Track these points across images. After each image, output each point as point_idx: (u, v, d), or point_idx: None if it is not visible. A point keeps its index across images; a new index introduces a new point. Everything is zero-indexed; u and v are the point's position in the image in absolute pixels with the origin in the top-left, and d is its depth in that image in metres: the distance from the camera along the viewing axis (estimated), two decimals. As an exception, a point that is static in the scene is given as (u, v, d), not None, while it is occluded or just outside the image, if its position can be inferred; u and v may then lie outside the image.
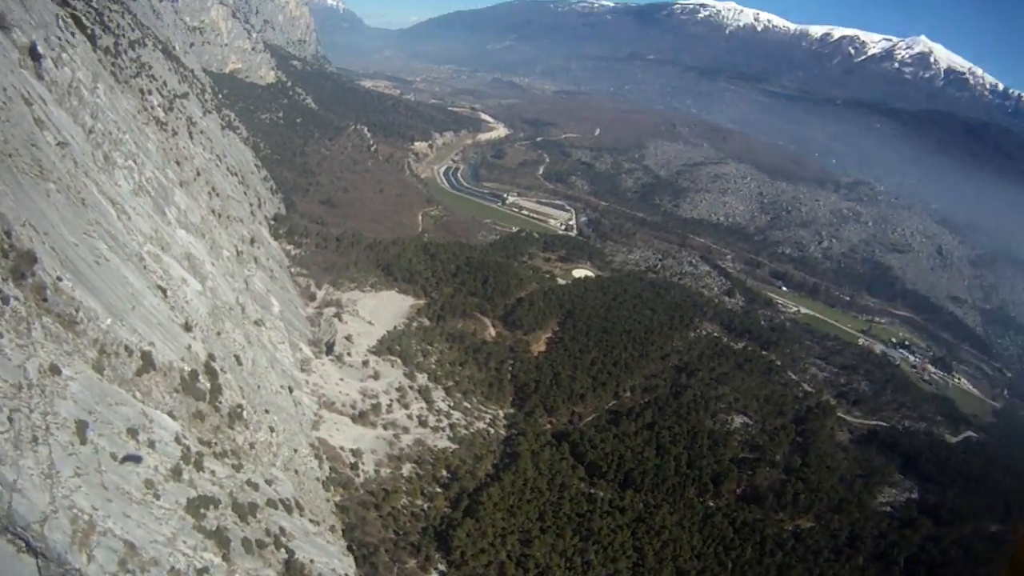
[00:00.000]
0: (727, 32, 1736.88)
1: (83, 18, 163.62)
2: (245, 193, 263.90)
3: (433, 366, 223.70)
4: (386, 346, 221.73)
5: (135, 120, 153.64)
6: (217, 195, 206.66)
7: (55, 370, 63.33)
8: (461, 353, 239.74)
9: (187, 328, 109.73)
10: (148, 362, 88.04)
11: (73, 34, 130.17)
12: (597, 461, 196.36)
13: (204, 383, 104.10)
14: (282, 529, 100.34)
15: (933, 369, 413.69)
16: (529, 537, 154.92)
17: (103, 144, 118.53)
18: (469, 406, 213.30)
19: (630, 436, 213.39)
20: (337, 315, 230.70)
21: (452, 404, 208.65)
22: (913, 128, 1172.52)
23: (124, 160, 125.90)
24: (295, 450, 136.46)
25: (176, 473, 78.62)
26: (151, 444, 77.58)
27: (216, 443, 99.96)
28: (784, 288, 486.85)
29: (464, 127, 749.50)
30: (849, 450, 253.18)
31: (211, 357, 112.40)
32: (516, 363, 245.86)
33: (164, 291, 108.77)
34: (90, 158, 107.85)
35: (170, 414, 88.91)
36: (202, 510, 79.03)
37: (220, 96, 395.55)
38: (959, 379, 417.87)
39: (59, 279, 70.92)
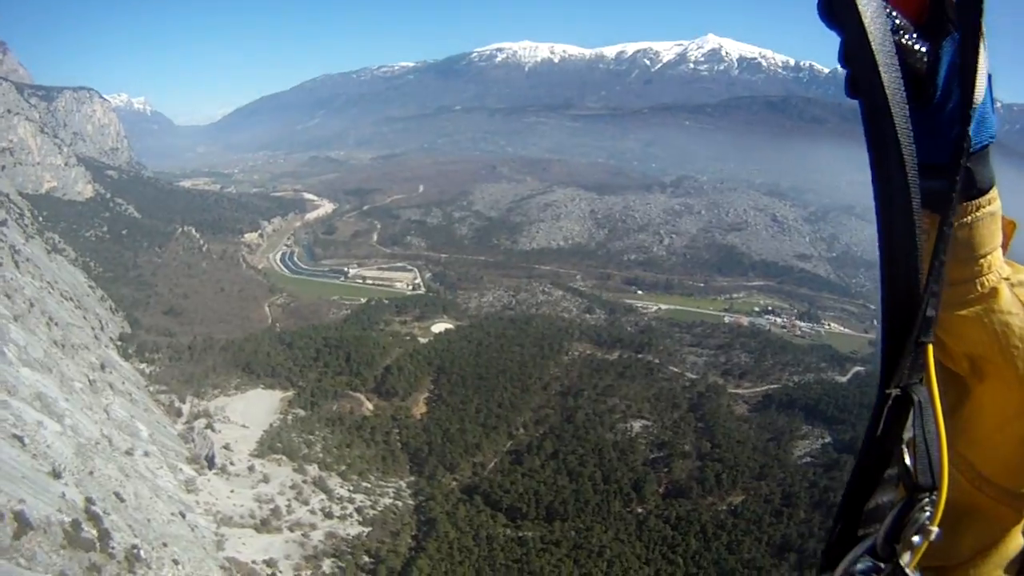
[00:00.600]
0: (527, 69, 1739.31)
1: None
2: (84, 317, 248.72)
3: (320, 455, 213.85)
4: (267, 446, 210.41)
5: None
6: (56, 324, 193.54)
7: None
8: (344, 434, 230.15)
9: (55, 475, 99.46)
10: (23, 523, 79.27)
11: None
12: (515, 503, 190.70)
13: (89, 531, 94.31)
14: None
15: (802, 324, 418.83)
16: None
17: None
18: (369, 485, 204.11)
19: (538, 470, 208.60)
20: (209, 426, 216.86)
21: (351, 488, 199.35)
22: (720, 118, 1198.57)
23: None
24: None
25: None
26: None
27: None
28: (639, 292, 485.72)
29: (290, 210, 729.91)
30: (751, 420, 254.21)
31: (89, 501, 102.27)
32: (402, 430, 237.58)
33: (21, 439, 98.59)
34: None
35: (62, 575, 79.55)
36: None
37: (41, 219, 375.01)
38: (829, 325, 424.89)
39: None
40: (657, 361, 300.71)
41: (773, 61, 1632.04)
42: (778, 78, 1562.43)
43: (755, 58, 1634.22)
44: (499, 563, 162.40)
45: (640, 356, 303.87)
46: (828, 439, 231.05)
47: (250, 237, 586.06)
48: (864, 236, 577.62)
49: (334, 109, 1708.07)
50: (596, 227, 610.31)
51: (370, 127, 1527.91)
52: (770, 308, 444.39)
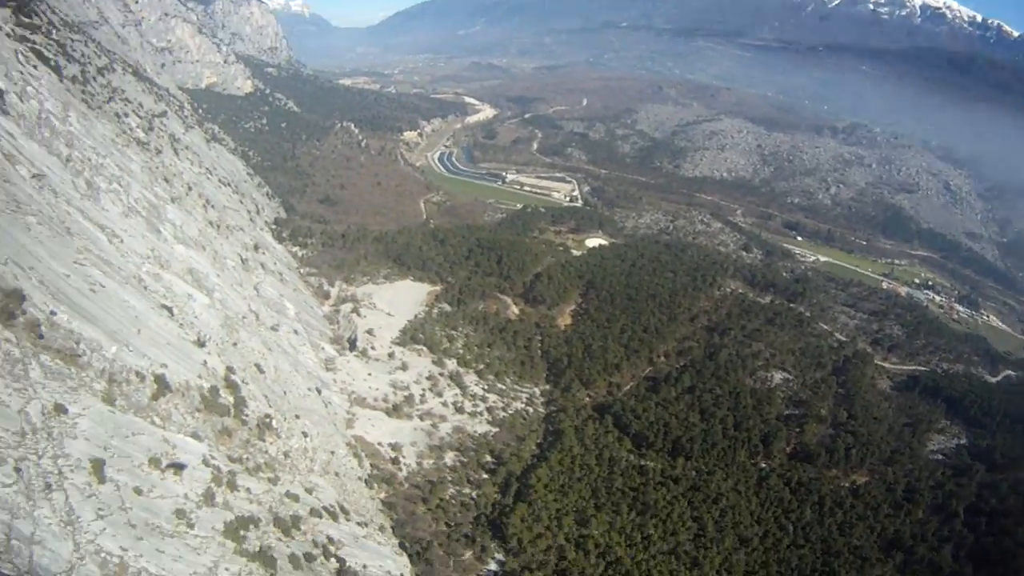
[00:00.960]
0: None
1: (44, 50, 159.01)
2: (241, 202, 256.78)
3: (461, 351, 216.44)
4: (409, 336, 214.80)
5: (114, 144, 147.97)
6: (212, 207, 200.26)
7: (60, 409, 57.53)
8: (487, 334, 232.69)
9: (200, 344, 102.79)
10: (163, 385, 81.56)
11: (35, 67, 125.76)
12: (643, 431, 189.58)
13: (226, 398, 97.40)
14: (329, 538, 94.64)
15: (961, 308, 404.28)
16: (585, 516, 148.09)
17: (83, 171, 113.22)
18: (503, 387, 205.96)
19: (672, 402, 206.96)
20: (355, 310, 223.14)
21: (486, 387, 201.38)
22: (898, 67, 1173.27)
23: (108, 184, 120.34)
24: (332, 452, 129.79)
25: (208, 497, 72.21)
26: (177, 471, 70.94)
27: (248, 458, 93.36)
28: (799, 238, 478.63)
29: (451, 112, 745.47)
30: (892, 398, 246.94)
31: (230, 370, 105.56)
32: (544, 339, 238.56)
33: (170, 310, 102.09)
34: (71, 186, 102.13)
35: (194, 435, 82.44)
36: (242, 532, 73.25)
37: (200, 111, 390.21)
38: (987, 316, 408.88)
39: (53, 313, 65.24)
40: (808, 314, 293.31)
41: (958, 14, 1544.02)
42: (962, 33, 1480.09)
43: (939, 8, 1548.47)
44: (616, 487, 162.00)
45: (792, 306, 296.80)
46: (964, 440, 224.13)
47: (409, 135, 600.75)
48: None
49: (495, 17, 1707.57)
50: (762, 163, 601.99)
51: (532, 37, 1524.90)
52: (930, 283, 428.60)
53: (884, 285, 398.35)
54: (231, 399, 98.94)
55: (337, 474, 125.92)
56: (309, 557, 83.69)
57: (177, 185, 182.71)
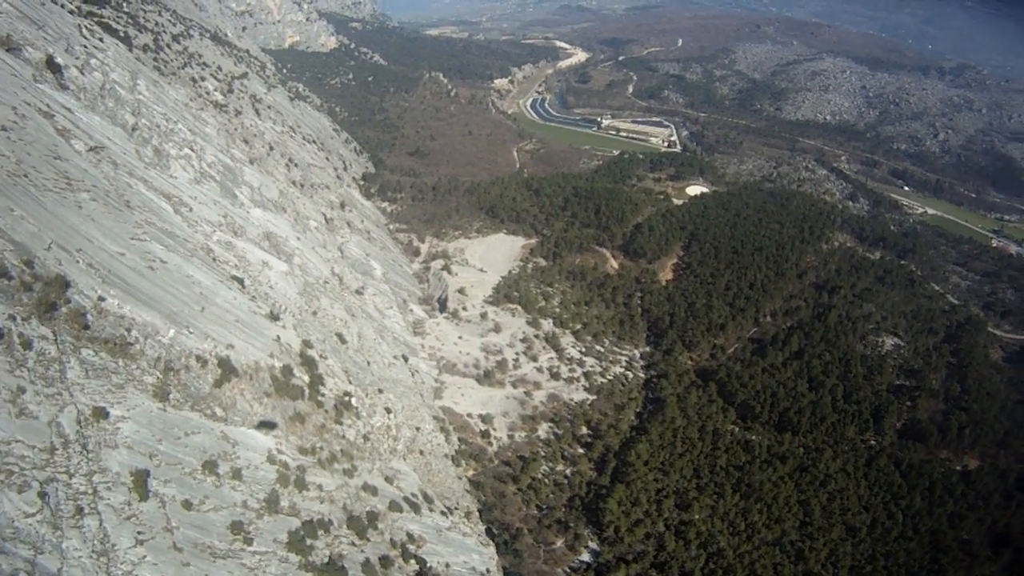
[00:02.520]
0: None
1: (112, 23, 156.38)
2: (327, 158, 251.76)
3: (557, 309, 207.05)
4: (503, 294, 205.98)
5: (188, 108, 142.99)
6: (296, 166, 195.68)
7: (100, 414, 51.61)
8: (584, 291, 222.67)
9: (273, 317, 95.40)
10: (227, 369, 74.59)
11: (101, 39, 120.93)
12: (748, 401, 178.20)
13: (301, 377, 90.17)
14: (410, 535, 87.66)
15: None
16: (686, 500, 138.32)
17: (151, 139, 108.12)
18: (602, 349, 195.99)
19: (779, 368, 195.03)
20: (446, 267, 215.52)
21: (583, 349, 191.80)
22: (1008, 3, 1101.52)
23: (179, 150, 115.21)
24: (417, 428, 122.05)
25: (272, 503, 65.55)
26: (236, 474, 63.85)
27: (322, 446, 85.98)
28: (906, 188, 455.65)
29: (542, 57, 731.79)
30: (1004, 370, 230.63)
31: (306, 344, 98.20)
32: (645, 296, 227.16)
33: (241, 281, 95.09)
34: (134, 156, 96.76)
35: (262, 426, 75.37)
36: (309, 540, 66.51)
37: (285, 70, 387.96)
38: None
39: (102, 299, 59.15)
40: (919, 273, 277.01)
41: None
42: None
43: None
44: (719, 466, 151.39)
45: (902, 263, 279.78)
46: None
47: (500, 83, 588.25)
48: None
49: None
50: (867, 106, 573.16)
51: None
52: None
53: (993, 242, 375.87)
54: (306, 378, 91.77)
55: (422, 452, 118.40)
56: (386, 561, 76.47)
57: (258, 145, 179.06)
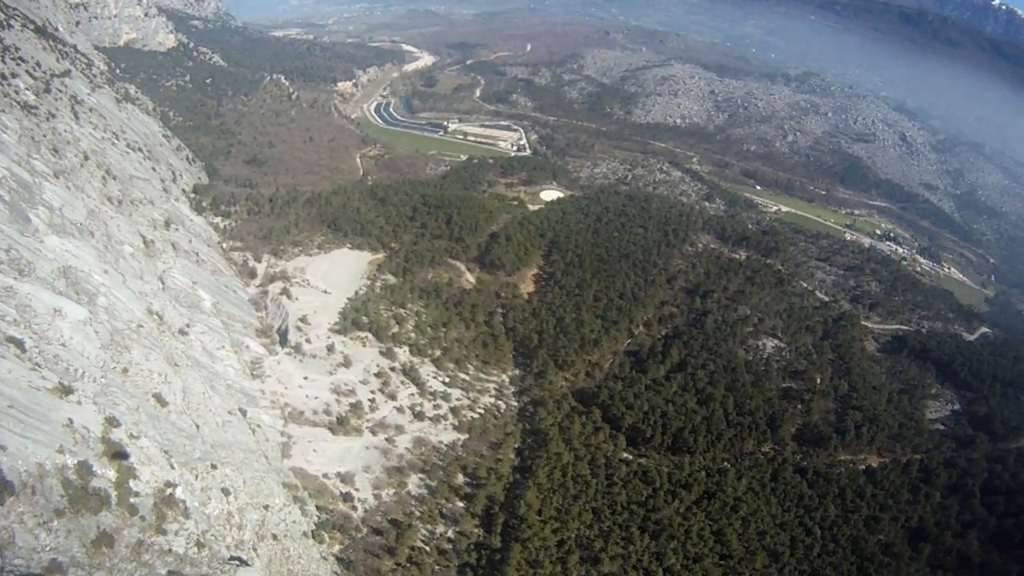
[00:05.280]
0: None
1: None
2: (154, 168, 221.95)
3: (412, 334, 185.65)
4: (351, 320, 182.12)
5: None
6: (114, 178, 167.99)
7: None
8: (441, 311, 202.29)
9: (64, 390, 72.39)
10: None
11: None
12: (638, 424, 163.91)
13: (104, 474, 68.36)
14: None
15: (923, 260, 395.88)
16: (593, 551, 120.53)
17: None
18: (467, 378, 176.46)
19: (663, 384, 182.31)
20: (285, 291, 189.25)
21: (446, 380, 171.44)
22: (848, 19, 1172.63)
23: None
24: (266, 507, 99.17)
25: None
26: None
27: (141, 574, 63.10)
28: (758, 187, 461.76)
29: (387, 60, 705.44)
30: (881, 362, 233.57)
31: (110, 423, 75.65)
32: (508, 312, 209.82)
33: (19, 344, 71.06)
34: None
35: (46, 573, 53.69)
36: None
37: (118, 70, 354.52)
38: (948, 269, 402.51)
39: None
40: (786, 271, 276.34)
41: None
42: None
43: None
44: (620, 504, 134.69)
45: (768, 262, 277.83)
46: (958, 406, 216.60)
47: (343, 86, 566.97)
48: (991, 181, 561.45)
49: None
50: (716, 110, 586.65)
51: None
52: (891, 235, 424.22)
53: (847, 236, 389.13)
54: (112, 475, 69.90)
55: (275, 537, 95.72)
56: None
57: (70, 155, 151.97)
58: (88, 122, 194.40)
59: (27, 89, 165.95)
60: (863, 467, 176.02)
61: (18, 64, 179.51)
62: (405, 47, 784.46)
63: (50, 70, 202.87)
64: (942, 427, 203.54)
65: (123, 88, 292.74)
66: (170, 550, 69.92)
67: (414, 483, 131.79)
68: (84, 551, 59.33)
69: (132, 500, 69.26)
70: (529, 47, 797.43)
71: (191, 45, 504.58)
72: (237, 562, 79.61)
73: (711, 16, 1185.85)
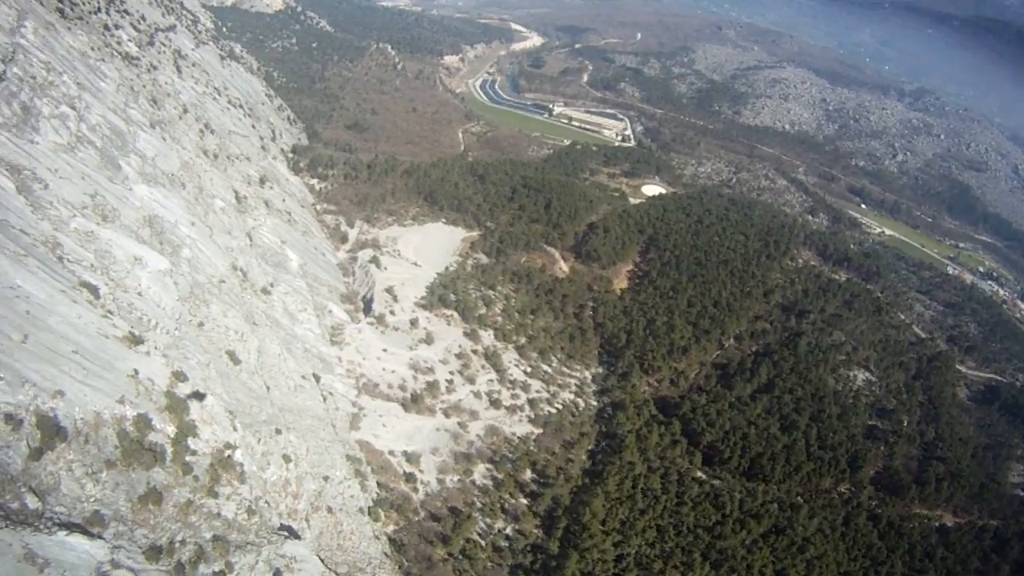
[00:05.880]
0: None
1: None
2: (254, 126, 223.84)
3: (499, 318, 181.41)
4: (438, 296, 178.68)
5: (84, 58, 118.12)
6: (212, 132, 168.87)
7: None
8: (531, 297, 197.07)
9: (134, 340, 70.36)
10: (50, 431, 53.60)
11: None
12: (717, 442, 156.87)
13: (163, 429, 66.19)
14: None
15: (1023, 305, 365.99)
16: (652, 573, 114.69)
17: (20, 93, 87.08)
18: (549, 370, 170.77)
19: (748, 404, 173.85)
20: (374, 259, 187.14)
21: (528, 370, 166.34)
22: (966, 35, 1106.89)
23: (54, 108, 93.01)
24: (325, 478, 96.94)
25: None
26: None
27: (185, 539, 61.73)
28: (863, 205, 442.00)
29: (495, 38, 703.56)
30: (971, 411, 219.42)
31: (178, 377, 73.98)
32: (599, 307, 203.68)
33: (94, 290, 69.63)
34: None
35: (90, 524, 52.34)
36: None
37: (224, 28, 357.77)
38: None
39: None
40: (884, 300, 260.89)
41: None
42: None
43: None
44: (687, 526, 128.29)
45: (868, 287, 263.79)
46: None
47: (450, 60, 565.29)
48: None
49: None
50: (826, 119, 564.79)
51: None
52: (994, 274, 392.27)
53: (950, 269, 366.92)
54: (171, 430, 67.65)
55: (331, 510, 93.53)
56: None
57: (169, 107, 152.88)
58: (190, 76, 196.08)
59: (130, 41, 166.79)
60: (937, 524, 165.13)
61: (122, 16, 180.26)
62: (514, 26, 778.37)
63: (155, 24, 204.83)
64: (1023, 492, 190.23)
65: (228, 46, 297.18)
66: (219, 514, 68.07)
67: (480, 472, 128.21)
68: (130, 506, 57.72)
69: (188, 459, 67.58)
70: (639, 36, 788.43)
71: (299, 9, 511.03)
72: (286, 533, 77.40)
73: (825, 19, 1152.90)
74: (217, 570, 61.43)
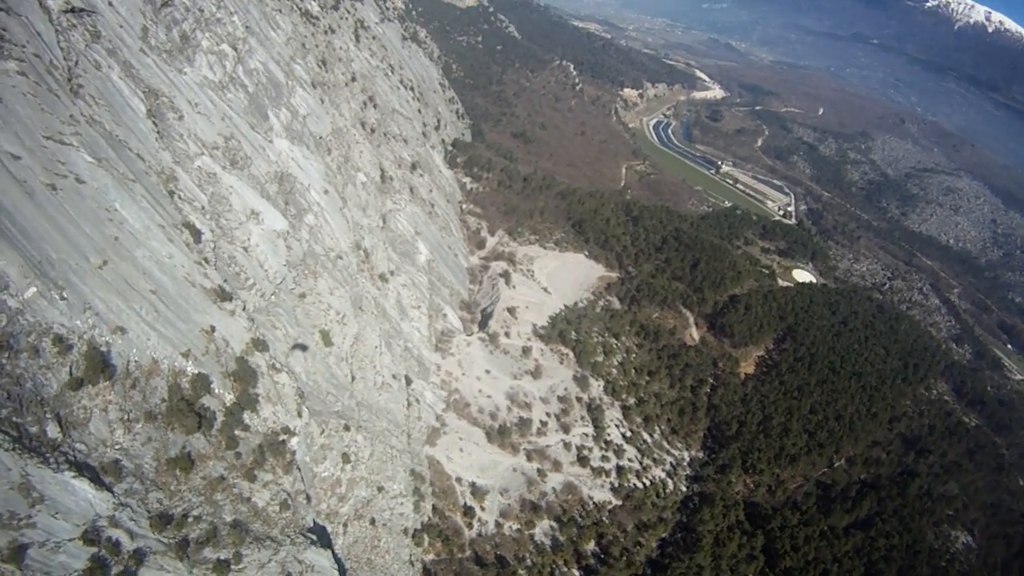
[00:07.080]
0: (955, 27, 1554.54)
1: None
2: (420, 111, 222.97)
3: (614, 371, 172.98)
4: (559, 330, 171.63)
5: (263, 4, 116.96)
6: (375, 107, 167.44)
7: None
8: (652, 357, 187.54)
9: (222, 295, 65.75)
10: (96, 365, 50.29)
11: None
12: (794, 570, 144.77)
13: (220, 395, 62.30)
14: None
15: None
16: None
17: (183, 21, 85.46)
18: (649, 440, 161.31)
19: (840, 538, 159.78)
20: (506, 274, 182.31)
21: (628, 434, 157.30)
22: None
23: (215, 44, 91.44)
24: (380, 488, 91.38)
25: None
26: (13, 557, 41.43)
27: (200, 515, 58.07)
28: (1010, 347, 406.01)
29: (678, 81, 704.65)
30: None
31: (256, 344, 69.34)
32: (719, 387, 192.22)
33: (196, 232, 65.48)
34: (136, 33, 73.47)
35: (101, 471, 49.34)
36: None
37: (415, 12, 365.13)
38: None
39: None
40: (1009, 459, 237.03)
41: None
42: None
43: None
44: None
45: (996, 440, 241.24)
46: None
47: (629, 93, 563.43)
48: None
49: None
50: (992, 242, 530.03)
51: (777, 29, 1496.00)
52: None
53: None
54: (228, 398, 63.71)
55: (373, 522, 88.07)
56: None
57: (337, 71, 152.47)
58: (367, 48, 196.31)
59: (314, 0, 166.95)
60: None
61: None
62: (698, 73, 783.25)
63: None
64: None
65: (412, 28, 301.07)
66: (249, 499, 63.44)
67: (543, 528, 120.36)
68: (155, 465, 53.78)
69: (237, 432, 63.00)
70: (821, 111, 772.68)
71: (491, 9, 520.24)
72: (313, 538, 71.66)
73: (1011, 134, 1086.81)
74: (223, 558, 56.43)
